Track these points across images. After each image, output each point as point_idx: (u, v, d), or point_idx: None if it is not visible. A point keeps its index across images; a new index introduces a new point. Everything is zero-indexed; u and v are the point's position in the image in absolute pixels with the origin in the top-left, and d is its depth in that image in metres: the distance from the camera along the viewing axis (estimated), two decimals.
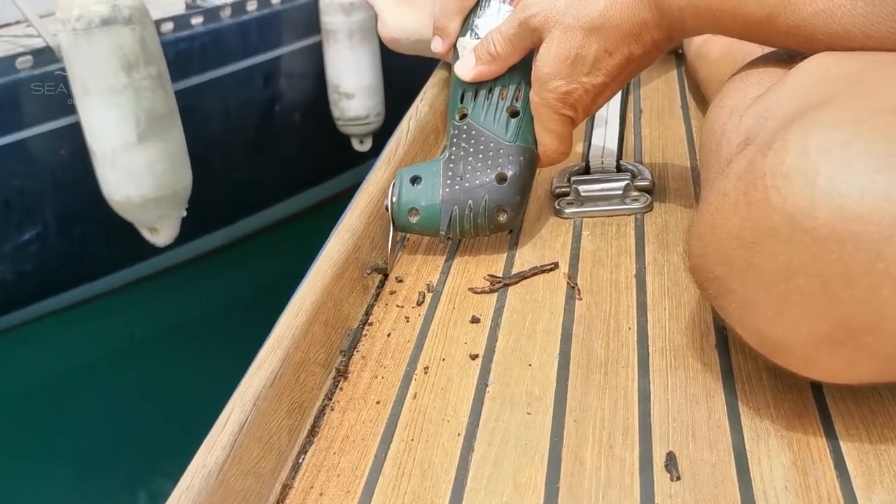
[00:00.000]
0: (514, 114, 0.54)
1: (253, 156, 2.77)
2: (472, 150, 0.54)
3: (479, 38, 0.56)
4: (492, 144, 0.54)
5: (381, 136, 2.77)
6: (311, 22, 2.68)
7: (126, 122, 2.22)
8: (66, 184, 2.46)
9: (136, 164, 2.27)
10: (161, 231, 2.43)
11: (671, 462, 0.38)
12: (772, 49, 0.49)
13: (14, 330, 2.54)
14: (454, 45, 0.58)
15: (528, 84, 0.54)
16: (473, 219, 0.54)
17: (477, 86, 0.55)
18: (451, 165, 0.55)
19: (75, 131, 2.27)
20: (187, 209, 2.42)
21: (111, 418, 2.26)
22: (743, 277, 0.36)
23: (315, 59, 2.73)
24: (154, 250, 2.48)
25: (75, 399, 2.34)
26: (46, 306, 2.58)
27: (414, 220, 0.55)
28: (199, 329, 2.58)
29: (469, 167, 0.54)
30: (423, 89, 0.75)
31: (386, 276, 0.55)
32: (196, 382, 2.33)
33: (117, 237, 2.48)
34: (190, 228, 2.47)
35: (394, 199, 0.55)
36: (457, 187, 0.54)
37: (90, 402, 2.33)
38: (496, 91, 0.55)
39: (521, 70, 0.55)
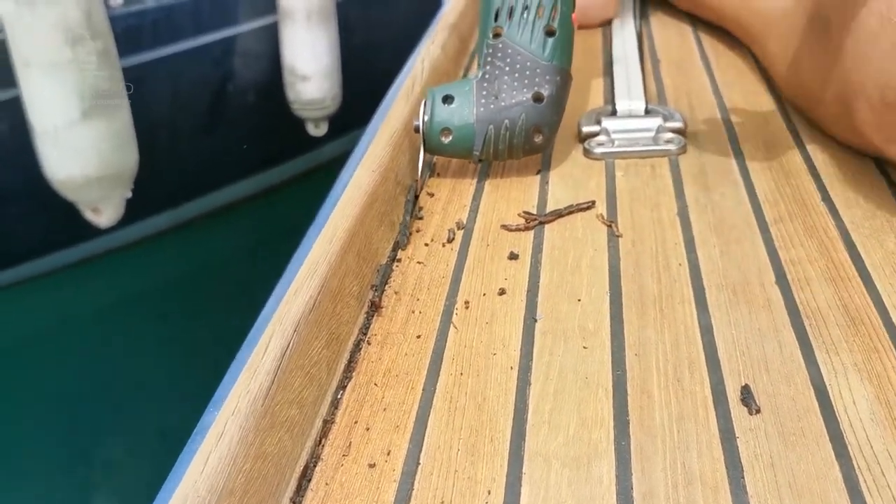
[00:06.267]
0: (550, 33, 0.52)
1: (203, 137, 2.67)
2: (507, 68, 0.52)
3: None
4: (528, 63, 0.52)
5: (337, 120, 2.71)
6: (267, 1, 2.60)
7: (69, 98, 2.12)
8: (2, 160, 2.33)
9: (80, 141, 2.17)
10: (104, 211, 2.33)
11: (748, 395, 0.35)
12: None
13: None
14: None
15: (565, 3, 0.52)
16: (509, 139, 0.52)
17: (512, 3, 0.53)
18: (486, 84, 0.52)
19: (15, 106, 2.16)
20: (133, 190, 2.32)
21: (47, 406, 2.16)
22: None
23: (270, 39, 2.64)
24: (96, 231, 2.38)
25: (8, 384, 2.22)
26: None
27: (446, 140, 0.52)
28: (141, 313, 2.48)
29: (505, 86, 0.52)
30: (433, 32, 0.71)
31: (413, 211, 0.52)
32: (139, 367, 2.23)
33: (57, 217, 2.37)
34: (135, 209, 2.37)
35: (425, 118, 0.52)
36: (492, 106, 0.52)
37: (27, 386, 2.21)
38: (532, 9, 0.52)
39: None
